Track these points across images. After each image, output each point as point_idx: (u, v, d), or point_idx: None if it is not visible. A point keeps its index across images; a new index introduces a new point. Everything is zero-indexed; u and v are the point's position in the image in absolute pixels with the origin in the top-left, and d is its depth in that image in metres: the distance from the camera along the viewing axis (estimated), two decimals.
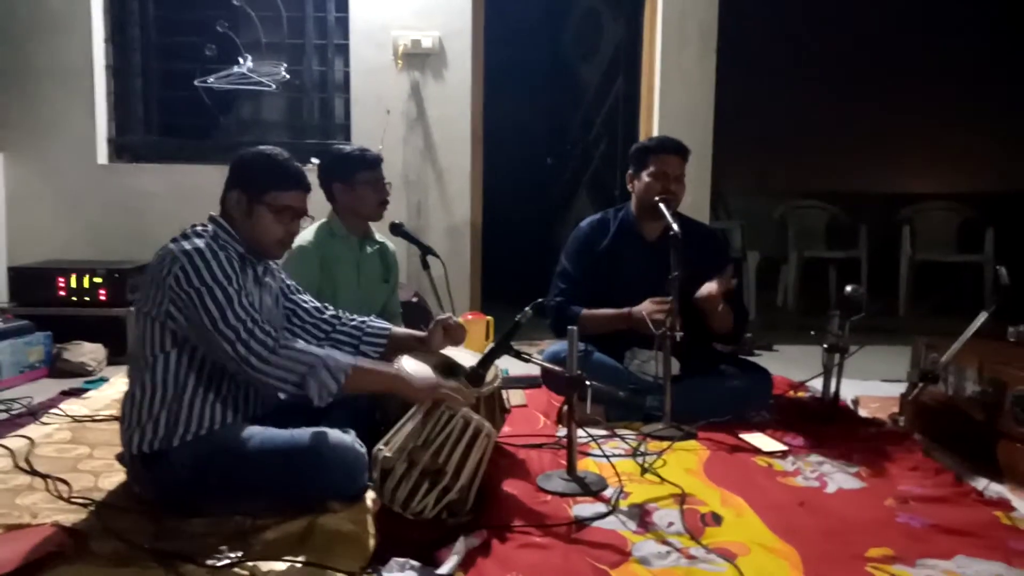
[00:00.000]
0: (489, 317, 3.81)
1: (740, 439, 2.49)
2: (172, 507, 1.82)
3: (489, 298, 4.55)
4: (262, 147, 1.98)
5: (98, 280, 3.69)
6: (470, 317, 3.83)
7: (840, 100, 6.43)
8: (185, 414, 1.84)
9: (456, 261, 4.27)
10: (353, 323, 2.21)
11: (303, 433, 1.86)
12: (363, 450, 1.86)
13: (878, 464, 2.26)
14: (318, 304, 2.21)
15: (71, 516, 1.81)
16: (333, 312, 2.22)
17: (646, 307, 2.62)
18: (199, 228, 1.89)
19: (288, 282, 2.17)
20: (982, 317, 2.31)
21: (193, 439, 1.85)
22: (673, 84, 4.39)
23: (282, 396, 2.05)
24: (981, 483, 2.13)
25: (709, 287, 2.60)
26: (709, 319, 2.64)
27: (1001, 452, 2.18)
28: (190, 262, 1.77)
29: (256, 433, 1.86)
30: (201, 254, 1.79)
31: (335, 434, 1.85)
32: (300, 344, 1.84)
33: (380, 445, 1.83)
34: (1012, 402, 2.15)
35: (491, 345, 2.10)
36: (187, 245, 1.80)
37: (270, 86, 4.19)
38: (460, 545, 1.65)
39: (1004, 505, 1.98)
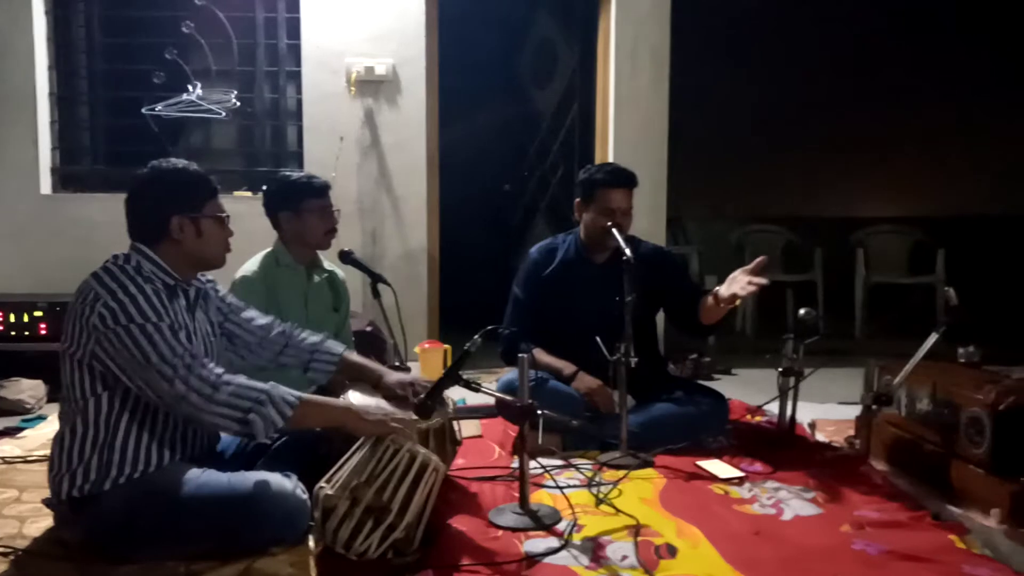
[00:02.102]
0: (447, 345, 3.75)
1: (697, 466, 2.45)
2: (102, 554, 1.72)
3: (447, 326, 4.49)
4: (161, 164, 1.87)
5: (38, 314, 3.56)
6: (427, 346, 3.77)
7: (794, 126, 6.54)
8: (118, 456, 1.75)
9: (413, 289, 4.21)
10: (304, 343, 2.13)
11: (242, 479, 1.77)
12: (305, 497, 1.77)
13: (834, 489, 2.24)
14: (266, 321, 2.12)
15: None
16: (281, 330, 2.13)
17: (587, 384, 2.64)
18: (121, 260, 1.80)
19: (230, 300, 2.08)
20: (933, 338, 2.32)
21: (126, 482, 1.75)
22: (627, 110, 4.41)
23: (224, 434, 1.98)
24: (936, 506, 2.11)
25: (734, 288, 2.43)
26: (709, 314, 2.58)
27: (955, 474, 2.17)
28: (114, 299, 1.69)
29: (193, 477, 1.77)
30: (125, 289, 1.70)
31: (275, 480, 1.77)
32: (242, 379, 1.76)
33: (322, 483, 1.76)
34: (966, 424, 2.15)
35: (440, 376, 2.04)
36: (109, 281, 1.72)
37: (220, 113, 4.12)
38: None
39: (959, 529, 1.96)
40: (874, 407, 2.41)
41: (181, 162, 1.89)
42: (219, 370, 1.74)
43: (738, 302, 2.44)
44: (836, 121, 6.55)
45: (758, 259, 2.42)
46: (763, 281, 2.38)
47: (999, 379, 2.18)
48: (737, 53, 6.42)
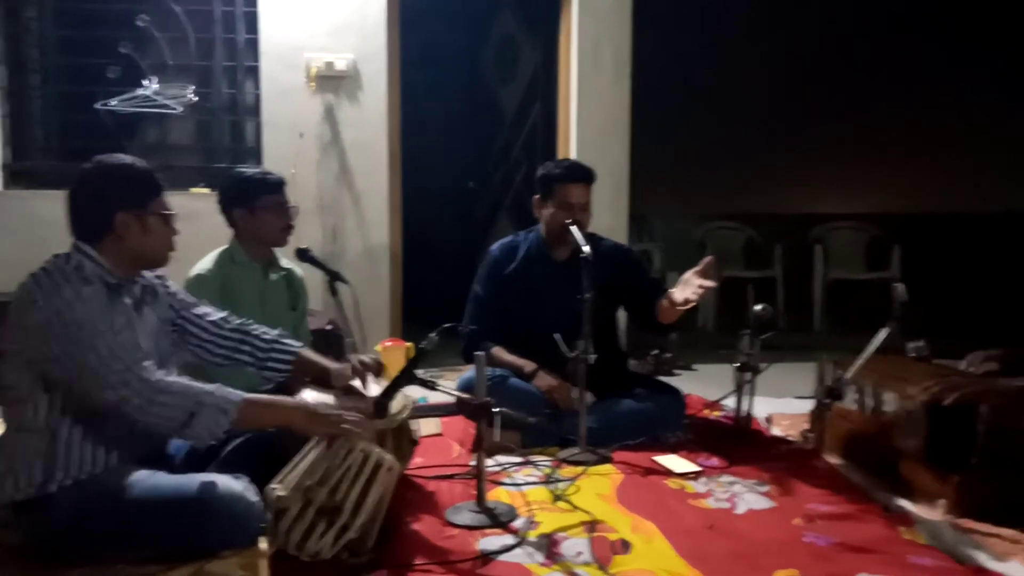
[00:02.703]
0: (409, 344, 3.73)
1: (654, 462, 2.47)
2: (47, 557, 1.69)
3: (411, 324, 4.47)
4: (106, 159, 1.83)
5: None
6: (389, 344, 3.75)
7: (755, 125, 6.62)
8: (63, 459, 1.71)
9: (375, 287, 4.19)
10: (260, 340, 2.09)
11: (191, 481, 1.74)
12: (256, 499, 1.73)
13: (787, 482, 2.28)
14: (220, 317, 2.08)
15: None
16: (236, 326, 2.09)
17: (547, 382, 2.66)
18: (61, 260, 1.76)
19: (181, 296, 2.05)
20: (883, 334, 2.36)
21: (72, 485, 1.72)
22: (589, 109, 4.43)
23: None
24: (885, 499, 2.16)
25: (686, 293, 2.45)
26: (666, 314, 2.60)
27: (903, 466, 2.22)
28: (53, 301, 1.65)
29: (141, 479, 1.74)
30: (63, 291, 1.66)
31: (225, 482, 1.73)
32: (184, 381, 1.73)
33: (274, 483, 1.74)
34: (904, 418, 2.19)
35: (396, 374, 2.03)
36: (48, 283, 1.67)
37: (176, 109, 4.05)
38: None
39: (906, 520, 2.01)
40: (826, 401, 2.45)
41: (127, 158, 1.85)
42: (160, 372, 1.71)
43: (692, 304, 2.46)
44: (796, 120, 6.65)
45: (705, 260, 2.44)
46: (711, 284, 2.40)
47: (944, 374, 2.23)
48: (699, 51, 6.48)
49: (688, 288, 2.43)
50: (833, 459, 2.52)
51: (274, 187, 2.59)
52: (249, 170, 2.67)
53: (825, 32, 6.59)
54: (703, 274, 2.43)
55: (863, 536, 1.89)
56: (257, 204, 2.56)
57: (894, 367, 2.43)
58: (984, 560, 1.76)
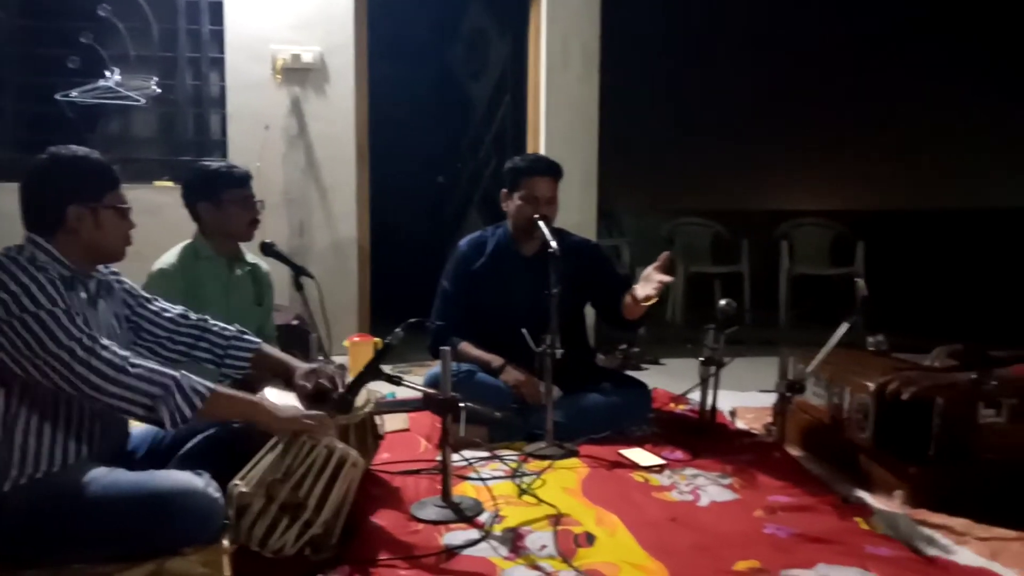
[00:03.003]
0: (377, 339, 3.72)
1: (620, 455, 2.49)
2: (2, 558, 1.65)
3: (380, 318, 4.45)
4: (60, 151, 1.78)
5: None
6: (357, 339, 3.73)
7: (723, 122, 6.69)
8: (18, 456, 1.67)
9: (342, 281, 4.16)
10: (219, 336, 2.06)
11: (151, 478, 1.71)
12: (218, 495, 1.71)
13: (749, 475, 2.31)
14: (177, 312, 2.05)
15: None
16: (193, 321, 2.06)
17: (514, 376, 2.67)
18: (13, 251, 1.72)
19: (136, 292, 2.01)
20: (843, 328, 2.40)
21: (28, 483, 1.68)
22: (558, 104, 4.44)
23: (132, 422, 1.91)
24: (845, 490, 2.20)
25: (647, 290, 2.46)
26: (630, 311, 2.62)
27: (862, 458, 2.26)
28: (5, 290, 1.61)
29: (99, 477, 1.70)
30: (17, 279, 1.63)
31: (186, 479, 1.70)
32: (151, 363, 1.71)
33: (236, 480, 1.72)
34: (855, 409, 2.23)
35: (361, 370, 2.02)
36: (2, 273, 1.64)
37: (139, 101, 3.99)
38: None
39: (864, 511, 2.05)
40: (787, 395, 2.49)
41: (81, 149, 1.81)
42: (125, 352, 1.68)
43: (654, 300, 2.48)
44: (763, 118, 6.73)
45: (662, 255, 2.46)
46: (668, 279, 2.41)
47: (901, 367, 2.27)
48: (669, 49, 6.52)
49: (648, 284, 2.45)
50: (795, 451, 2.56)
51: (240, 181, 2.56)
52: (214, 163, 2.63)
53: (792, 32, 6.68)
54: (662, 269, 2.45)
55: (822, 527, 1.92)
56: (222, 198, 2.53)
57: (854, 361, 2.48)
58: (937, 549, 1.80)
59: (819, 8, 6.70)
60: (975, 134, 6.99)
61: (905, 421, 2.10)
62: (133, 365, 1.66)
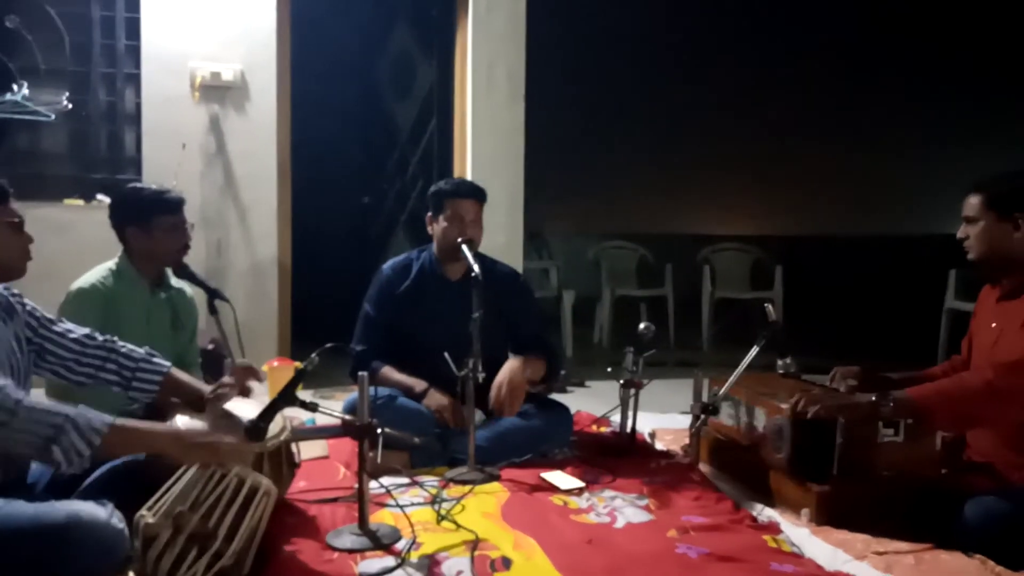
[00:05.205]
0: (298, 363, 3.63)
1: (541, 478, 2.51)
2: None
3: (302, 342, 4.36)
4: None
5: None
6: (276, 364, 3.65)
7: (648, 147, 6.87)
8: None
9: (262, 303, 4.08)
10: (127, 358, 2.00)
11: (50, 509, 1.63)
12: (122, 526, 1.64)
13: (665, 496, 2.35)
14: (83, 334, 1.98)
15: None
16: (100, 343, 1.99)
17: (437, 401, 2.68)
18: None
19: (39, 314, 1.93)
20: (754, 351, 2.48)
21: None
22: (484, 129, 4.48)
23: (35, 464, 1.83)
24: (756, 508, 2.27)
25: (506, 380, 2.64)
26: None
27: (772, 477, 2.34)
28: None
29: None
30: None
31: (88, 509, 1.62)
32: (44, 402, 1.63)
33: (143, 511, 1.67)
34: (771, 431, 2.31)
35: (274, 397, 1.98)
36: None
37: (49, 116, 3.84)
38: None
39: (773, 529, 2.11)
40: (702, 416, 2.55)
41: None
42: (19, 393, 1.60)
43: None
44: (687, 145, 6.94)
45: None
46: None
47: (808, 389, 2.36)
48: (594, 74, 6.67)
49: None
50: (709, 471, 2.62)
51: (173, 207, 2.49)
52: (146, 187, 2.54)
53: (712, 62, 6.92)
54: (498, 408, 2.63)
55: (732, 546, 1.97)
56: (152, 223, 2.45)
57: (764, 383, 2.56)
58: (839, 564, 1.87)
59: (739, 41, 6.97)
60: (888, 165, 7.37)
61: (813, 441, 2.17)
62: (25, 408, 1.57)
